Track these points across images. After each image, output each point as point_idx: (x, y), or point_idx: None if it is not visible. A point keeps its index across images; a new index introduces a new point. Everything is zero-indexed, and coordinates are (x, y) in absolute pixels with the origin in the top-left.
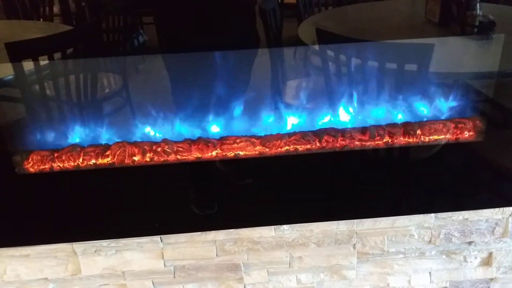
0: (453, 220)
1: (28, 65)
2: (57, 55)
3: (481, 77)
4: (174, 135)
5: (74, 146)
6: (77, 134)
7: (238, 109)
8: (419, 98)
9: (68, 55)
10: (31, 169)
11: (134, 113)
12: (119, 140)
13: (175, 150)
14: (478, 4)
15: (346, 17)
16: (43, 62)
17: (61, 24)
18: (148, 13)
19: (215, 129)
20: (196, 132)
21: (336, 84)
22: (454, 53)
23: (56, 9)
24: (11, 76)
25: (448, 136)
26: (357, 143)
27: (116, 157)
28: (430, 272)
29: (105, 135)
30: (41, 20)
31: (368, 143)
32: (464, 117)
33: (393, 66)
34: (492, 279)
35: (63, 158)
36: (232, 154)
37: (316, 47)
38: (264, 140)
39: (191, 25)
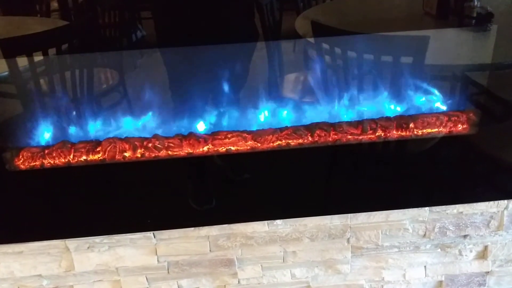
0: (447, 213)
1: (23, 61)
2: (54, 51)
3: (476, 69)
4: (170, 130)
5: (64, 142)
6: (71, 130)
7: (234, 104)
8: (413, 91)
9: (64, 51)
10: (22, 166)
11: (131, 108)
12: (113, 136)
13: (166, 145)
14: None
15: (343, 10)
16: (38, 58)
17: (57, 19)
18: (146, 8)
19: (209, 124)
20: (191, 128)
21: (331, 77)
22: (450, 45)
23: (52, 3)
24: (6, 73)
25: (442, 129)
26: (349, 137)
27: (107, 153)
28: (425, 266)
29: (100, 131)
30: (38, 15)
31: (360, 137)
32: (458, 110)
33: (387, 58)
34: (488, 272)
35: (54, 154)
36: (224, 149)
37: (312, 40)
38: (255, 135)
39: (188, 19)
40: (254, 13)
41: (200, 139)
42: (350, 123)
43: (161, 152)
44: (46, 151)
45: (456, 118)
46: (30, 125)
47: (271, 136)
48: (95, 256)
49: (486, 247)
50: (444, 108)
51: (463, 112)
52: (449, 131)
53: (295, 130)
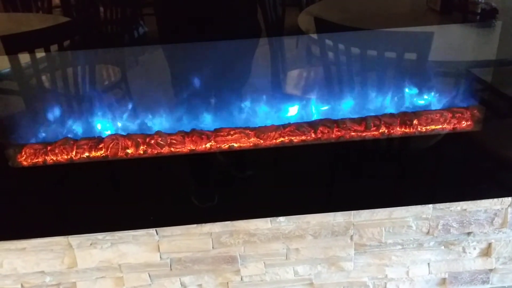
0: (451, 211)
1: (25, 58)
2: (56, 48)
3: (480, 66)
4: (172, 127)
5: (67, 139)
6: (74, 127)
7: (237, 100)
8: (417, 87)
9: (66, 47)
10: (25, 163)
11: (133, 105)
12: (116, 133)
13: (168, 142)
14: None
15: (346, 6)
16: (40, 54)
17: (59, 15)
18: (148, 4)
19: (212, 121)
20: (194, 124)
21: (335, 74)
22: (454, 41)
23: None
24: (8, 69)
25: (446, 126)
26: (353, 134)
27: (109, 150)
28: (428, 263)
29: (103, 128)
30: (40, 12)
31: (364, 134)
32: (462, 106)
33: (391, 55)
34: (492, 269)
35: (56, 151)
36: (227, 146)
37: (316, 36)
38: (258, 131)
39: (191, 15)
40: (257, 9)
41: (203, 136)
42: (353, 120)
43: (164, 148)
44: (49, 148)
45: (460, 114)
46: (33, 121)
47: (274, 132)
48: (97, 253)
49: (490, 245)
50: (448, 104)
51: (467, 109)
52: (453, 128)
53: (298, 126)
